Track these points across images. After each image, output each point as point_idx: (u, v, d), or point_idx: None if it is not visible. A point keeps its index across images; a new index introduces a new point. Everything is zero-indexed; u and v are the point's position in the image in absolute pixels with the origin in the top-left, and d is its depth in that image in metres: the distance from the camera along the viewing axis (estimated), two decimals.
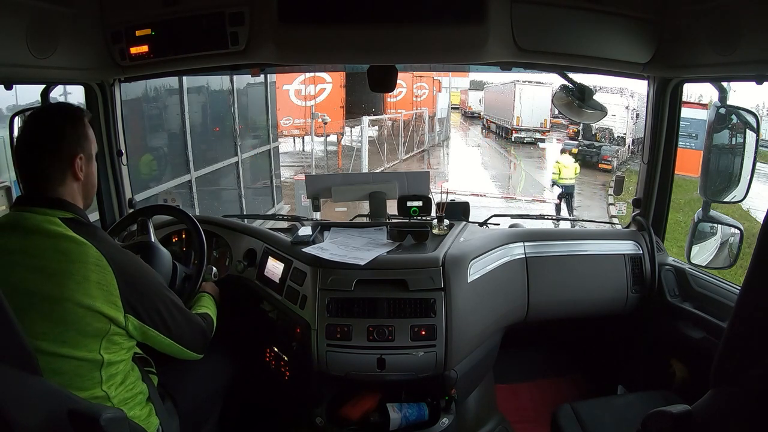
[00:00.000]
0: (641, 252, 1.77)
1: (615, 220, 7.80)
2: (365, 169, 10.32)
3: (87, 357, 1.01)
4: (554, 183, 9.65)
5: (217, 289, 1.55)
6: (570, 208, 9.45)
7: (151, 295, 1.11)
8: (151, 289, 1.12)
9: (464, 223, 1.81)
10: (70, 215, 1.04)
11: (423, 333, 1.44)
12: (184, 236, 1.77)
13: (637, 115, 14.33)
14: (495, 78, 21.54)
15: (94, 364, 1.03)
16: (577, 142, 14.90)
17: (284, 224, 2.00)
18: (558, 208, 9.46)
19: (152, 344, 1.15)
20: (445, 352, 1.44)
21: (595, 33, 1.39)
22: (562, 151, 10.48)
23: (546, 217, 2.86)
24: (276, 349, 1.68)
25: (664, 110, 1.66)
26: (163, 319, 1.12)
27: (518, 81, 17.30)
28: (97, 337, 1.01)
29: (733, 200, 1.47)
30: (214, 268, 1.59)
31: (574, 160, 9.95)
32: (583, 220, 3.56)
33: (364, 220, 1.92)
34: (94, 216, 1.90)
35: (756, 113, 1.41)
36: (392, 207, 1.86)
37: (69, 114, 1.08)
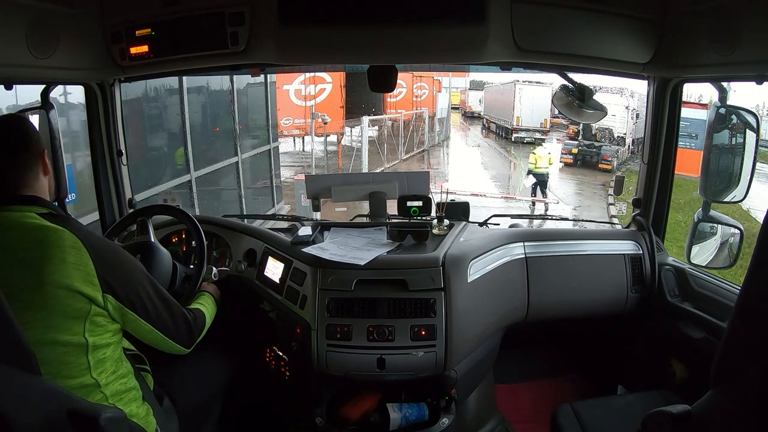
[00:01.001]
0: (641, 252, 1.77)
1: (615, 220, 7.79)
2: (365, 169, 10.29)
3: (72, 341, 1.03)
4: (530, 172, 10.72)
5: (218, 289, 1.55)
6: (543, 194, 10.70)
7: (130, 278, 1.13)
8: (130, 272, 1.14)
9: (464, 223, 1.81)
10: (45, 210, 1.08)
11: (423, 333, 1.44)
12: (184, 236, 1.77)
13: (637, 115, 14.32)
14: (495, 78, 21.51)
15: (80, 348, 1.04)
16: (577, 142, 14.91)
17: (284, 224, 2.00)
18: (534, 191, 10.62)
19: (133, 331, 1.16)
20: (445, 352, 1.44)
21: (595, 33, 1.39)
22: (538, 145, 11.73)
23: (546, 217, 2.87)
24: (276, 349, 1.68)
25: (664, 110, 1.66)
26: (142, 302, 1.14)
27: (518, 81, 17.26)
28: (79, 318, 1.03)
29: (733, 200, 1.47)
30: (214, 268, 1.59)
31: (548, 152, 11.14)
32: (583, 220, 3.56)
33: (364, 220, 1.92)
34: (94, 216, 1.90)
35: (756, 113, 1.41)
36: (392, 207, 1.86)
37: (21, 118, 1.15)
